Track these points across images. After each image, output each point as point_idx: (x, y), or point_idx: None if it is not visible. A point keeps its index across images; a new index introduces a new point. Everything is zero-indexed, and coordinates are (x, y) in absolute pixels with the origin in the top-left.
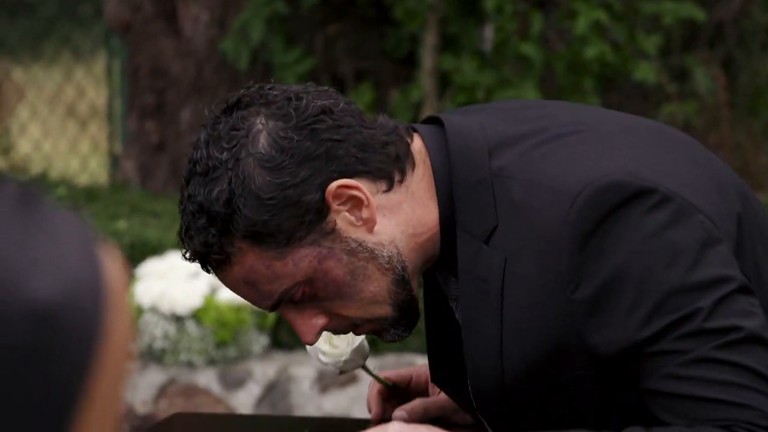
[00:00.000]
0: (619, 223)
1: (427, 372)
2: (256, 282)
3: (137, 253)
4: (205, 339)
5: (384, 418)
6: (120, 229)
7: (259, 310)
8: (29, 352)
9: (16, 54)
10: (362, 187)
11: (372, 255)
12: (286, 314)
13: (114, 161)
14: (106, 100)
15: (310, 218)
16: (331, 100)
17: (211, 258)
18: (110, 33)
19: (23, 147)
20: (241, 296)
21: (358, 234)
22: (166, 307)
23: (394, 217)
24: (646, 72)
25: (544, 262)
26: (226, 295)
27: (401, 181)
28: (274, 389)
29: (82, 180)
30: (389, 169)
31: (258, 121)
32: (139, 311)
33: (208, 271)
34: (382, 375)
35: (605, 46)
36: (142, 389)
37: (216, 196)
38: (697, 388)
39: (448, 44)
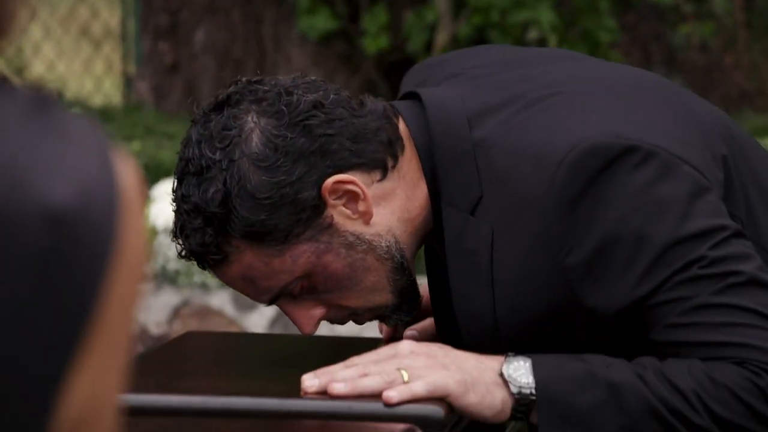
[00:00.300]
0: (606, 185)
1: None
2: (254, 279)
3: (151, 174)
4: None
5: (395, 338)
6: (134, 150)
7: None
8: (43, 255)
9: None
10: (357, 180)
11: (370, 246)
12: (283, 307)
13: (128, 82)
14: (119, 21)
15: (307, 215)
16: (321, 92)
17: (208, 257)
18: None
19: (37, 68)
20: (239, 291)
21: (355, 227)
22: None
23: (389, 205)
24: None
25: (532, 231)
26: None
27: (394, 167)
28: None
29: (96, 101)
30: (383, 156)
31: (250, 119)
32: (153, 233)
33: (204, 269)
34: None
35: None
36: (156, 310)
37: (211, 197)
38: (702, 333)
39: None
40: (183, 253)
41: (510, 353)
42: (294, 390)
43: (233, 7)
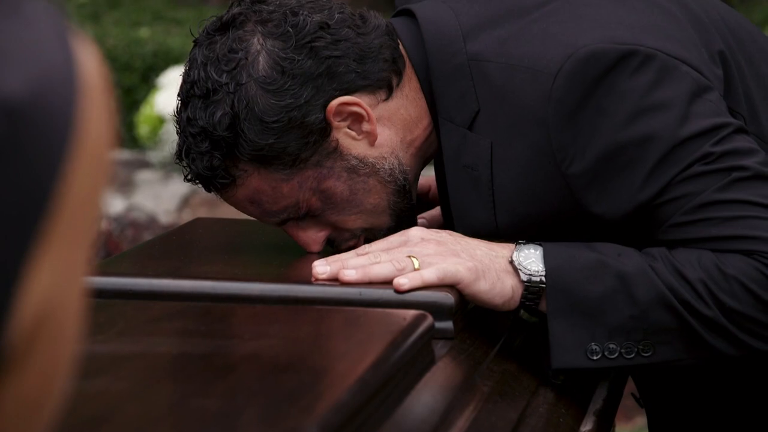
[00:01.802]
0: (605, 93)
1: None
2: (261, 202)
3: (160, 61)
4: None
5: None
6: (142, 37)
7: None
8: None
9: None
10: (362, 102)
11: (373, 169)
12: (289, 230)
13: None
14: None
15: (314, 138)
16: (326, 11)
17: (215, 181)
18: None
19: None
20: (246, 213)
21: (360, 149)
22: None
23: (393, 126)
24: None
25: (532, 143)
26: None
27: (398, 85)
28: None
29: None
30: (388, 75)
31: (256, 41)
32: (162, 121)
33: (210, 191)
34: None
35: None
36: (165, 199)
37: (219, 120)
38: (709, 228)
39: None
40: (188, 177)
41: (521, 240)
42: (305, 276)
43: None
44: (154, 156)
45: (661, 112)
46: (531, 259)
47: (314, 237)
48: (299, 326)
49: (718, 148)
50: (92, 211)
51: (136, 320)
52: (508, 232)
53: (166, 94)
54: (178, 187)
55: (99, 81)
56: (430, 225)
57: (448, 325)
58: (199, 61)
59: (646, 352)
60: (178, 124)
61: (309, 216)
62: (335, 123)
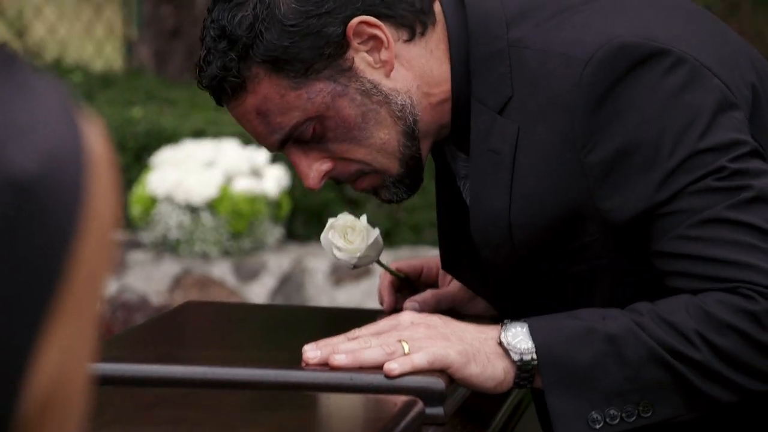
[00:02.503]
0: (635, 85)
1: (438, 263)
2: (267, 112)
3: (152, 141)
4: (219, 230)
5: (396, 309)
6: (135, 116)
7: (274, 200)
8: (7, 224)
9: None
10: (384, 27)
11: (386, 99)
12: (291, 155)
13: (129, 47)
14: None
15: (330, 51)
16: None
17: (226, 83)
18: None
19: (38, 31)
20: (251, 131)
21: (375, 76)
22: (181, 196)
23: (411, 70)
24: None
25: (557, 127)
26: (242, 185)
27: (422, 35)
28: (288, 281)
29: (97, 66)
30: (412, 18)
31: None
32: (154, 201)
33: (220, 103)
34: (393, 266)
35: None
36: (157, 280)
37: (239, 21)
38: (707, 248)
39: None
40: (203, 82)
41: (506, 320)
42: (295, 361)
43: None
44: (146, 236)
45: (686, 116)
46: (519, 338)
47: (316, 167)
48: (290, 413)
49: (733, 165)
50: (98, 286)
51: (126, 408)
52: (519, 221)
53: (159, 174)
54: (170, 267)
55: (105, 157)
56: (421, 308)
57: (439, 410)
58: None
59: (646, 413)
60: (203, 29)
61: (314, 141)
62: (354, 44)
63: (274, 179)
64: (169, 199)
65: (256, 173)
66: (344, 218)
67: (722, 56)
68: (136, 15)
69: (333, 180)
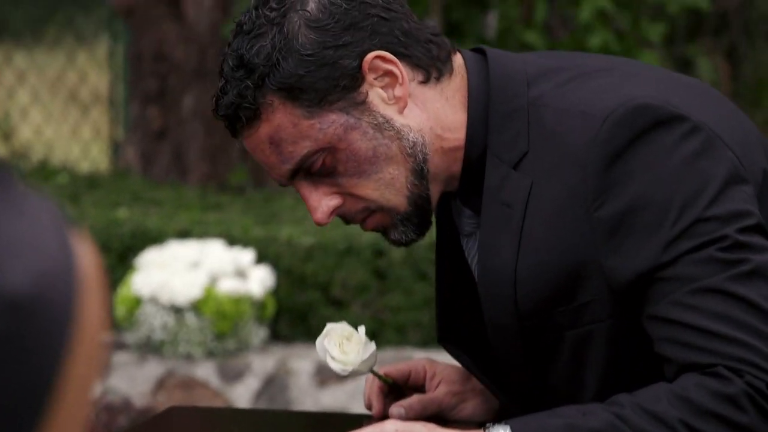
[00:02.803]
0: (650, 146)
1: (425, 368)
2: (280, 141)
3: (137, 242)
4: (204, 330)
5: (383, 414)
6: (120, 217)
7: (259, 301)
8: (0, 340)
9: (19, 37)
10: (399, 64)
11: (398, 135)
12: (301, 189)
13: (115, 148)
14: (108, 85)
15: (344, 83)
16: None
17: (242, 111)
18: (113, 17)
19: (24, 133)
20: (263, 161)
21: (388, 111)
22: (165, 297)
23: (424, 111)
24: (650, 61)
25: (570, 182)
26: (227, 286)
27: (438, 80)
28: (273, 383)
29: (84, 167)
30: (428, 62)
31: None
32: (138, 302)
33: (235, 134)
34: (381, 371)
35: (609, 35)
36: (140, 381)
37: (257, 50)
38: (699, 317)
39: (452, 31)
40: (219, 111)
41: (488, 423)
42: None
43: None
44: (129, 337)
45: (697, 182)
46: None
47: (325, 202)
48: None
49: (737, 236)
50: (88, 395)
51: None
52: (524, 277)
53: (143, 275)
54: (154, 369)
55: (95, 275)
56: (407, 414)
57: None
58: (252, 4)
59: None
60: (221, 62)
61: (324, 174)
62: (369, 78)
63: (259, 280)
64: (154, 300)
65: (241, 274)
66: (342, 327)
67: (736, 135)
68: (123, 116)
69: (341, 218)
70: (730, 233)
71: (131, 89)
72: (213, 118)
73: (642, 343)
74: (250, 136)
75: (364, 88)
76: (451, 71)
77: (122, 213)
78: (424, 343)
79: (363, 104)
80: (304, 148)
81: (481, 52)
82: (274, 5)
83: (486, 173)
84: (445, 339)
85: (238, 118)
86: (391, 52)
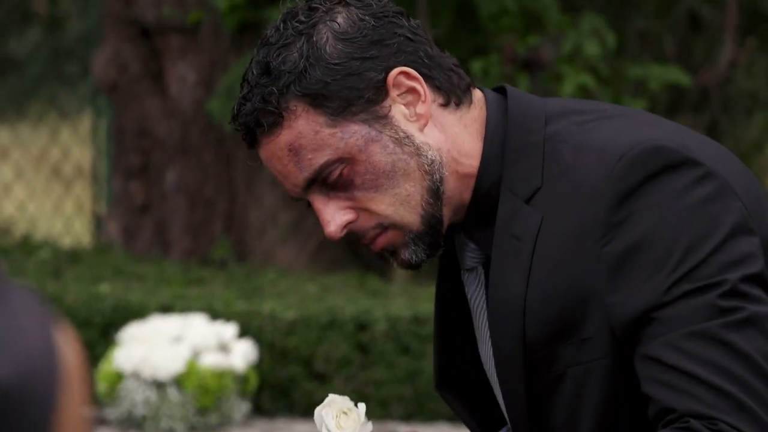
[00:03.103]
0: (663, 187)
1: None
2: (300, 149)
3: (119, 316)
4: (186, 405)
5: None
6: (102, 292)
7: (241, 375)
8: None
9: (2, 113)
10: (423, 82)
11: (417, 151)
12: (314, 201)
13: (98, 223)
14: (91, 161)
15: (369, 95)
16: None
17: (264, 117)
18: (97, 92)
19: (7, 208)
20: (280, 170)
21: (409, 128)
22: (147, 372)
23: (443, 133)
24: None
25: (581, 216)
26: (209, 360)
27: (457, 106)
28: None
29: (66, 242)
30: (449, 88)
31: (339, 4)
32: (120, 377)
33: (253, 143)
34: None
35: None
36: None
37: (284, 59)
38: (689, 362)
39: None
40: (239, 119)
41: None
42: None
43: (205, 147)
44: (111, 413)
45: (707, 225)
46: None
47: (339, 216)
48: None
49: (738, 284)
50: None
51: None
52: (531, 314)
53: (126, 349)
54: None
55: (77, 366)
56: None
57: None
58: (279, 20)
59: None
60: (244, 74)
61: (340, 186)
62: (392, 93)
63: (241, 354)
64: (136, 375)
65: (223, 348)
66: (343, 400)
67: (748, 191)
68: (106, 191)
69: (352, 236)
70: (731, 279)
71: (114, 164)
72: (196, 193)
73: (637, 385)
74: (270, 143)
75: (388, 102)
76: (470, 101)
77: (104, 288)
78: (407, 417)
79: (385, 118)
80: (324, 156)
81: (502, 90)
82: (302, 18)
83: (499, 206)
84: (442, 385)
85: (260, 124)
86: (415, 71)
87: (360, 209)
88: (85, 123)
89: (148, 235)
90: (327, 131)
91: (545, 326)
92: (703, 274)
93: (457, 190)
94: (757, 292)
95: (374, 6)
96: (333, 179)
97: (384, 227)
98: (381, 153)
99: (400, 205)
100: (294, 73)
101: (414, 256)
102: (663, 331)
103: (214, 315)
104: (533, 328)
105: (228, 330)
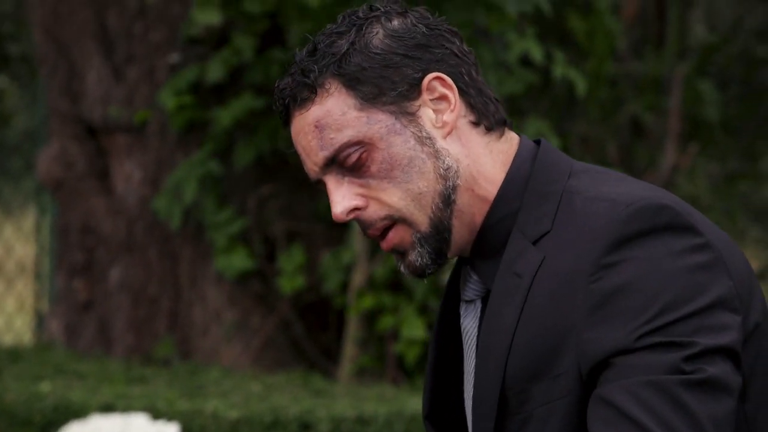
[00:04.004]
0: (661, 243)
1: None
2: (325, 127)
3: (60, 416)
4: None
5: None
6: (43, 391)
7: None
8: None
9: None
10: (456, 92)
11: (436, 154)
12: (328, 182)
13: (40, 320)
14: (34, 258)
15: (402, 90)
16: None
17: (299, 91)
18: (41, 189)
19: None
20: (304, 145)
21: (433, 132)
22: None
23: (466, 147)
24: None
25: (580, 255)
26: None
27: (487, 131)
28: None
29: (7, 340)
30: (483, 110)
31: (398, 11)
32: None
33: (287, 120)
34: None
35: None
36: None
37: (331, 43)
38: (639, 410)
39: None
40: (277, 91)
41: None
42: None
43: (150, 245)
44: None
45: (693, 289)
46: None
47: (348, 199)
48: None
49: (706, 350)
50: None
51: None
52: (517, 348)
53: None
54: None
55: None
56: None
57: None
58: (338, 20)
59: None
60: (293, 56)
61: (356, 171)
62: (425, 96)
63: None
64: None
65: None
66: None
67: (741, 275)
68: (49, 289)
69: (360, 225)
70: (701, 343)
71: (57, 261)
72: (140, 291)
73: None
74: (300, 117)
75: (418, 102)
76: (501, 134)
77: (45, 386)
78: None
79: (412, 116)
80: (345, 137)
81: (537, 142)
82: (360, 15)
83: (507, 245)
84: (429, 416)
85: (294, 98)
86: (451, 81)
87: (371, 198)
88: (29, 220)
89: (91, 332)
90: (354, 113)
91: (526, 362)
92: (675, 332)
93: (469, 208)
94: (724, 363)
95: (431, 19)
96: (351, 163)
97: (393, 220)
98: (401, 146)
99: (411, 200)
100: (336, 56)
101: (419, 259)
102: (622, 376)
103: (156, 414)
104: (515, 362)
105: (170, 430)
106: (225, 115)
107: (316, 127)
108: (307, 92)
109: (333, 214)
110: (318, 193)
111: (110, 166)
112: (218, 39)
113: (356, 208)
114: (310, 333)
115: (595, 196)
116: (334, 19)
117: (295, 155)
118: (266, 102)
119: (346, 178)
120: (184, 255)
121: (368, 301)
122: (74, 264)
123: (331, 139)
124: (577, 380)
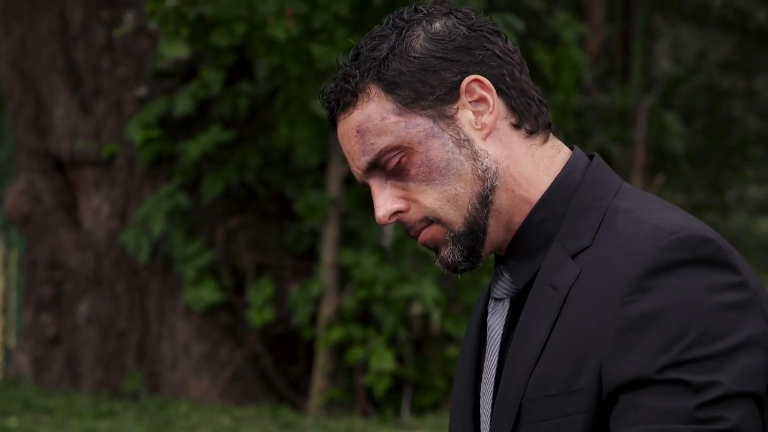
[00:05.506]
0: (699, 276)
1: None
2: (366, 132)
3: None
4: None
5: None
6: (10, 426)
7: None
8: None
9: None
10: (495, 94)
11: (474, 156)
12: (372, 185)
13: (7, 355)
14: (1, 292)
15: (440, 94)
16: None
17: (341, 96)
18: (8, 224)
19: None
20: (348, 150)
21: (471, 134)
22: None
23: (506, 149)
24: None
25: (616, 275)
26: None
27: (529, 134)
28: None
29: None
30: (524, 112)
31: (442, 12)
32: None
33: (334, 121)
34: None
35: None
36: None
37: (373, 47)
38: None
39: (349, 239)
40: (324, 96)
41: None
42: None
43: (118, 278)
44: None
45: (723, 327)
46: None
47: (390, 203)
48: None
49: (731, 391)
50: None
51: None
52: (544, 359)
53: None
54: None
55: None
56: None
57: None
58: (382, 22)
59: None
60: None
61: (397, 174)
62: (463, 98)
63: None
64: None
65: None
66: None
67: None
68: (16, 323)
69: (402, 226)
70: (723, 384)
71: (25, 296)
72: (108, 324)
73: None
74: (344, 122)
75: (457, 105)
76: (545, 138)
77: (12, 422)
78: None
79: (451, 119)
80: (385, 142)
81: (590, 156)
82: (404, 17)
83: (547, 255)
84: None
85: (338, 102)
86: (493, 84)
87: (411, 201)
88: None
89: (59, 367)
90: (392, 118)
91: (547, 372)
92: (700, 369)
93: (508, 208)
94: (745, 409)
95: (473, 19)
96: (391, 167)
97: (429, 221)
98: (439, 149)
99: (446, 202)
100: (377, 60)
101: (450, 256)
102: (641, 419)
103: None
104: (538, 372)
105: None
106: (193, 148)
107: (358, 131)
108: (349, 97)
109: (376, 217)
110: (286, 226)
111: (78, 200)
112: (186, 72)
113: (398, 212)
114: (279, 365)
115: (639, 218)
116: (301, 52)
117: (264, 186)
118: (234, 134)
119: (389, 182)
120: (152, 288)
121: (337, 333)
122: (42, 298)
123: (372, 144)
124: (595, 398)
